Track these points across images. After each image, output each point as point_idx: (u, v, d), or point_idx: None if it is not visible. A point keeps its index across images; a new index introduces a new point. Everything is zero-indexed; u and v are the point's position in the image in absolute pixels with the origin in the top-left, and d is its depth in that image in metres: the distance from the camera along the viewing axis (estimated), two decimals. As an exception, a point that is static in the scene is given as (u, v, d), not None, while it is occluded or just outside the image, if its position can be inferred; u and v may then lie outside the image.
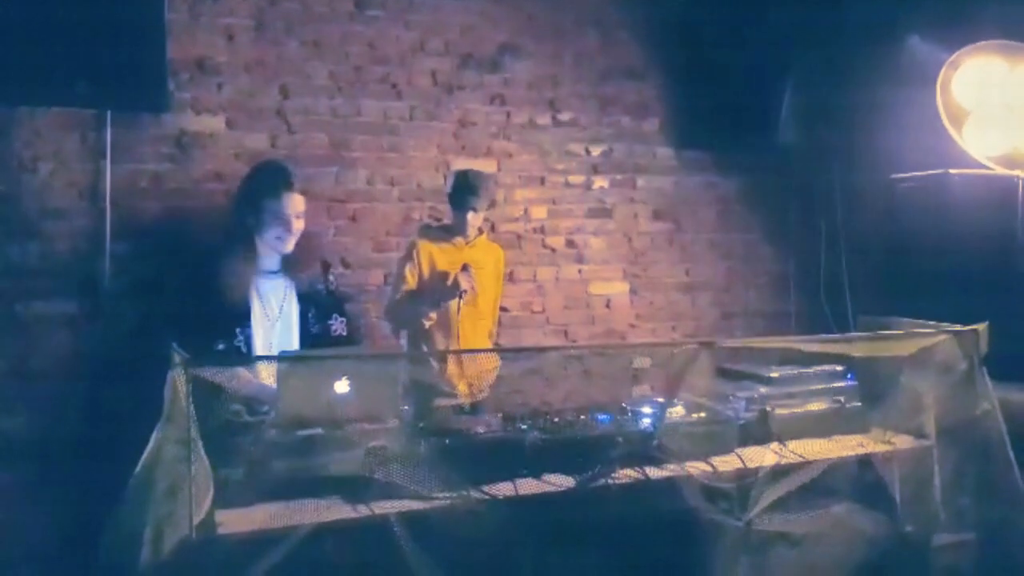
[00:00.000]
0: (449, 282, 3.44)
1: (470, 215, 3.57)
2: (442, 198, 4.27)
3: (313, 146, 4.02)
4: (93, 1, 3.25)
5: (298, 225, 2.92)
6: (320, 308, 3.01)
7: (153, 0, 3.41)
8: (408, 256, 3.61)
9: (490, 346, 3.78)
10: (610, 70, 4.60)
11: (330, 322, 3.01)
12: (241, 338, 2.87)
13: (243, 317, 2.89)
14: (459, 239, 3.64)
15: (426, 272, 3.57)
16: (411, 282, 3.55)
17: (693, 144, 4.72)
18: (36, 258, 3.59)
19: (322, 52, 4.03)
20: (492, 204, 3.88)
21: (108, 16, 3.28)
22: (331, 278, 3.04)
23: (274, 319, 2.95)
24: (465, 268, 3.46)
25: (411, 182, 4.22)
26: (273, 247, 2.93)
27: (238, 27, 3.89)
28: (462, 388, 3.40)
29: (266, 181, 2.95)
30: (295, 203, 2.92)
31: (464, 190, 3.56)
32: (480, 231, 3.74)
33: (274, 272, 2.98)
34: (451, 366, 3.41)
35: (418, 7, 4.20)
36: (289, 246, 2.93)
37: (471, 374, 3.42)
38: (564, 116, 4.52)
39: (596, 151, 4.61)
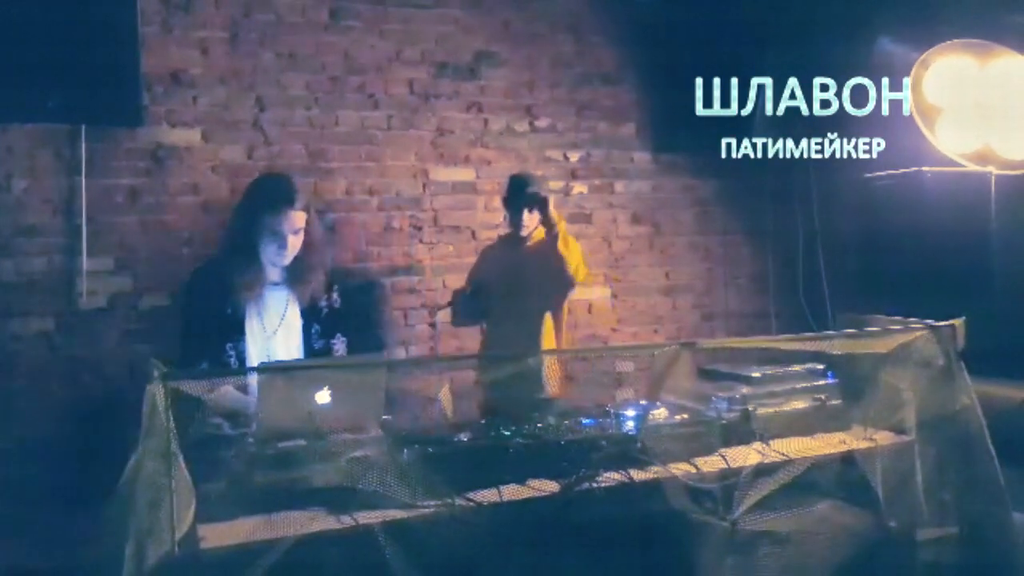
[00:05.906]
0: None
1: (524, 214, 3.60)
2: (421, 206, 4.29)
3: (290, 157, 4.02)
4: (65, 15, 3.24)
5: (295, 241, 2.83)
6: (323, 325, 2.93)
7: (126, 13, 3.41)
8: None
9: (559, 340, 3.72)
10: (586, 75, 4.62)
11: (333, 341, 2.93)
12: (232, 354, 2.79)
13: (235, 331, 2.81)
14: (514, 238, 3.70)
15: (481, 274, 3.73)
16: (468, 284, 3.76)
17: (670, 147, 4.75)
18: (12, 276, 3.56)
19: (297, 63, 4.03)
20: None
21: (81, 30, 3.27)
22: (334, 296, 2.97)
23: (272, 331, 2.86)
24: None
25: (390, 191, 4.22)
26: (270, 261, 2.85)
27: (212, 39, 3.88)
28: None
29: (266, 196, 2.85)
30: (294, 220, 2.81)
31: (514, 191, 3.63)
32: (545, 228, 3.63)
33: (277, 284, 2.89)
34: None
35: (393, 16, 4.21)
36: (286, 261, 2.85)
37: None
38: (541, 122, 4.53)
39: (574, 157, 4.62)
